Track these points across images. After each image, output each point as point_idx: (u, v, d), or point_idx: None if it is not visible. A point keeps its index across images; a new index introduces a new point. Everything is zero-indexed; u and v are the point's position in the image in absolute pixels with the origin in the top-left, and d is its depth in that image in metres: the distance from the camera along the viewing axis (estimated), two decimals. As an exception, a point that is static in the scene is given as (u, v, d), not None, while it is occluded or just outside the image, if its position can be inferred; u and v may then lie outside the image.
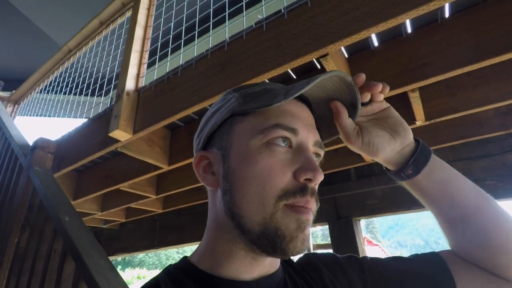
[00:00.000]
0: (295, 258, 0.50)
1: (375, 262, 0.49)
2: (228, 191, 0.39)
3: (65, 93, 2.39)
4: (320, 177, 0.37)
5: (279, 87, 0.43)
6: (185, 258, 0.43)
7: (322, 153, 0.43)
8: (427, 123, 1.55)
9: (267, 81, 0.48)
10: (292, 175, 0.37)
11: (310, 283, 0.44)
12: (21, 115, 2.96)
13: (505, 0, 1.10)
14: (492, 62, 1.10)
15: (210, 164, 0.43)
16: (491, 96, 1.42)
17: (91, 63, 2.21)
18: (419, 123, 1.54)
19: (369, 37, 1.33)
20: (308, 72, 1.52)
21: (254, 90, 0.44)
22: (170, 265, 0.43)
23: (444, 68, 1.15)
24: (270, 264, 0.41)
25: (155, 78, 1.58)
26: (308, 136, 0.40)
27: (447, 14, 1.21)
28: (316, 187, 0.40)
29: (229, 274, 0.39)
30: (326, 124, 0.48)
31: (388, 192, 2.24)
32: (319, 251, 2.70)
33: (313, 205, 0.38)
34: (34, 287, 1.09)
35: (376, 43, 1.37)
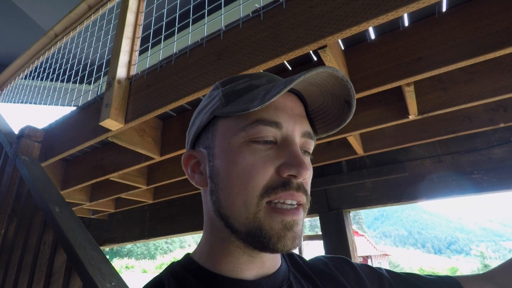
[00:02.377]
0: (302, 258, 0.49)
1: (395, 278, 0.50)
2: (214, 192, 0.39)
3: (51, 80, 2.30)
4: (305, 173, 0.35)
5: (264, 83, 0.41)
6: (187, 255, 0.43)
7: (312, 144, 0.41)
8: (419, 117, 1.57)
9: (259, 73, 0.44)
10: (276, 171, 0.36)
11: (318, 286, 0.44)
12: (4, 101, 2.85)
13: (502, -4, 1.11)
14: (487, 58, 1.11)
15: (198, 163, 0.43)
16: (482, 91, 1.44)
17: (79, 49, 2.13)
18: (412, 117, 1.56)
19: (366, 30, 1.32)
20: (304, 64, 1.51)
21: (239, 86, 0.42)
22: (173, 262, 0.43)
23: (441, 62, 1.15)
24: (270, 262, 0.41)
25: (147, 66, 1.54)
26: (294, 128, 0.38)
27: (444, 8, 1.21)
28: (307, 181, 0.39)
29: (229, 272, 0.38)
30: (322, 119, 0.45)
31: (378, 185, 2.29)
32: (309, 242, 2.74)
33: (300, 198, 0.36)
34: (23, 279, 1.06)
35: (372, 36, 1.36)
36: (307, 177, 0.37)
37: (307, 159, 0.40)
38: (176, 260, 0.43)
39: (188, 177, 0.44)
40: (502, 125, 1.71)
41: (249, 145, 0.37)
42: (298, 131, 0.39)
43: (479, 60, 1.13)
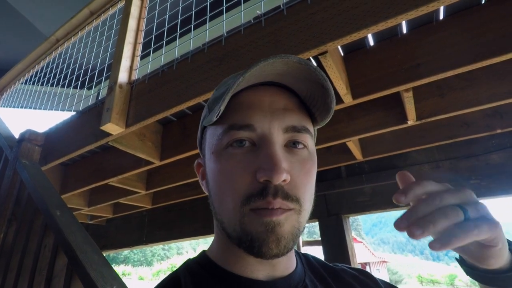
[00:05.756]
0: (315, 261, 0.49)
1: None
2: (210, 198, 0.40)
3: (52, 85, 2.31)
4: (278, 177, 0.32)
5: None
6: (203, 252, 0.44)
7: (304, 136, 0.38)
8: (418, 122, 1.59)
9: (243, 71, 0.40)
10: (253, 176, 0.34)
11: None
12: (3, 106, 2.85)
13: (498, 4, 1.14)
14: (484, 65, 1.13)
15: (205, 170, 0.44)
16: (479, 98, 1.47)
17: (80, 54, 2.14)
18: (410, 122, 1.58)
19: (365, 36, 1.35)
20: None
21: (217, 93, 0.42)
22: (189, 259, 0.43)
23: (439, 69, 1.17)
24: (283, 264, 0.40)
25: (149, 71, 1.55)
26: (271, 126, 0.36)
27: (441, 16, 1.24)
28: (294, 183, 0.35)
29: (242, 272, 0.38)
30: (315, 107, 0.41)
31: (377, 190, 2.29)
32: (308, 247, 2.73)
33: (279, 205, 0.33)
34: (23, 283, 1.06)
35: (372, 43, 1.38)
36: (287, 180, 0.34)
37: (299, 154, 0.37)
38: (192, 257, 0.43)
39: (200, 183, 0.46)
40: (499, 131, 1.73)
41: (227, 152, 0.36)
42: (278, 128, 0.36)
43: (476, 67, 1.15)
